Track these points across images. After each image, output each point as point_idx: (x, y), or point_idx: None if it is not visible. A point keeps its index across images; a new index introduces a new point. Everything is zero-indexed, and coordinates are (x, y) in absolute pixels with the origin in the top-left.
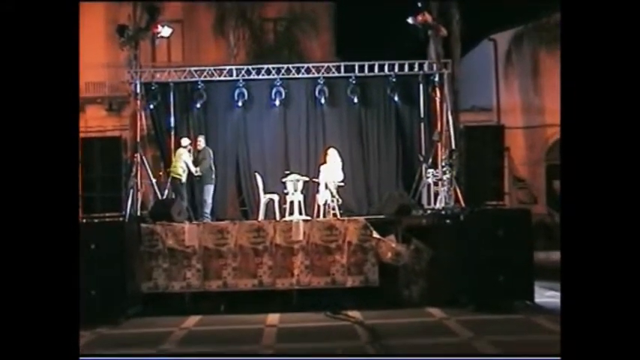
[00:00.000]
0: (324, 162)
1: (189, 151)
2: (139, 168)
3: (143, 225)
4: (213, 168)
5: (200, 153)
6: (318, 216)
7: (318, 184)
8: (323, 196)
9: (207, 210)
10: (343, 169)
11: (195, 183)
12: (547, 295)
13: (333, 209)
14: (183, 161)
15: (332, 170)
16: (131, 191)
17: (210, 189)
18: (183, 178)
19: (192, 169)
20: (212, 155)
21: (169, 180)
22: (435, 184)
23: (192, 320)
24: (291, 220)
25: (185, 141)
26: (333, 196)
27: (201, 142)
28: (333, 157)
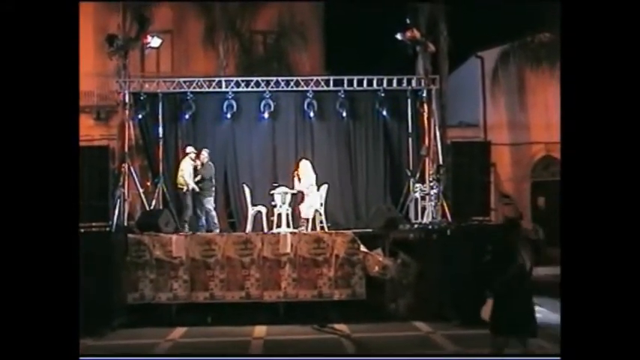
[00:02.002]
0: (298, 175)
1: (190, 158)
2: (126, 178)
3: (130, 235)
4: (214, 181)
5: (203, 167)
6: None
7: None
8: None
9: (215, 220)
10: (331, 183)
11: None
12: None
13: (321, 222)
14: (188, 170)
15: (305, 183)
16: (118, 201)
17: (212, 200)
18: (188, 187)
19: (190, 181)
20: (213, 169)
21: (158, 191)
22: (423, 198)
23: (178, 332)
24: (279, 233)
25: (190, 149)
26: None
27: (205, 156)
28: (305, 168)
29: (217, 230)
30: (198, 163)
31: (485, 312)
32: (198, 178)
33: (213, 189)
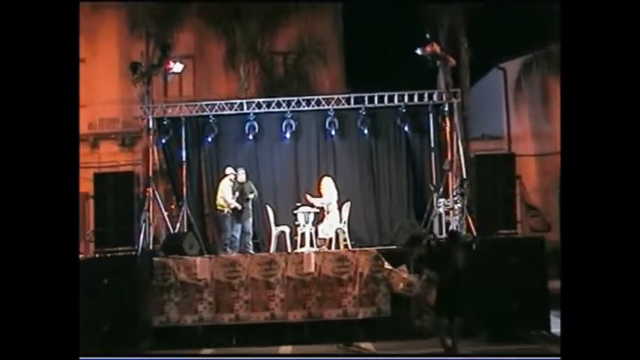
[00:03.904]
0: (319, 193)
1: (230, 179)
2: (151, 202)
3: (155, 259)
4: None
5: (242, 186)
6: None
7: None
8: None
9: (251, 242)
10: (354, 200)
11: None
12: None
13: (344, 240)
14: (228, 191)
15: (326, 199)
16: (143, 225)
17: (251, 220)
18: (229, 208)
19: (232, 201)
20: (254, 188)
21: (182, 214)
22: (447, 213)
23: (204, 353)
24: (303, 252)
25: (229, 170)
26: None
27: (242, 175)
28: (327, 185)
29: (251, 250)
30: (237, 183)
31: (430, 298)
32: (237, 196)
33: (251, 209)
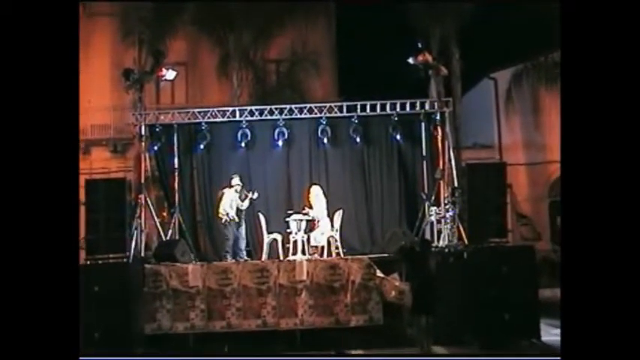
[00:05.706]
0: (309, 203)
1: (235, 190)
2: (143, 209)
3: (147, 266)
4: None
5: (239, 193)
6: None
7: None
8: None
9: (243, 248)
10: (346, 208)
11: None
12: (553, 333)
13: (336, 248)
14: (230, 200)
15: (317, 209)
16: (135, 232)
17: (244, 227)
18: (229, 217)
19: (231, 211)
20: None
21: (174, 221)
22: (438, 221)
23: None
24: (295, 260)
25: (235, 180)
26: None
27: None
28: (317, 194)
29: (244, 257)
30: (239, 193)
31: (408, 299)
32: (245, 205)
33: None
